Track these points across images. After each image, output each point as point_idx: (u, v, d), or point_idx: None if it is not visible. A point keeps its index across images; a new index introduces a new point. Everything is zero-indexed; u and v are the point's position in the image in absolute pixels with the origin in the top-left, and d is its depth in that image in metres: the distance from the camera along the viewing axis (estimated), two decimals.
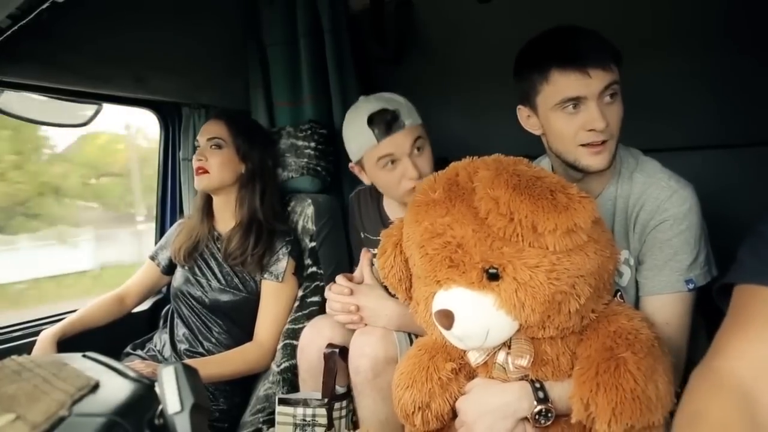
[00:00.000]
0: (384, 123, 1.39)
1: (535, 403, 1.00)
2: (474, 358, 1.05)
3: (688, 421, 0.59)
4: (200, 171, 1.67)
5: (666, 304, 1.13)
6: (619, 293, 1.22)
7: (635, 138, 1.24)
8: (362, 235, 1.68)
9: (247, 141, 1.73)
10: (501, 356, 1.02)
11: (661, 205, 1.13)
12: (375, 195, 1.66)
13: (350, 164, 1.56)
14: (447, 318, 0.94)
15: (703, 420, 0.57)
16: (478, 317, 0.94)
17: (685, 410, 0.61)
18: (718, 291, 0.79)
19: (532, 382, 1.02)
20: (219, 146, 1.68)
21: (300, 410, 1.39)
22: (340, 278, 1.42)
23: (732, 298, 0.72)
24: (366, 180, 1.53)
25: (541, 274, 0.90)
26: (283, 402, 1.42)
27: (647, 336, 0.97)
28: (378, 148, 1.41)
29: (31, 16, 1.10)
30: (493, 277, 0.93)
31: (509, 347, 1.01)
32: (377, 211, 1.65)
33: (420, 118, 1.47)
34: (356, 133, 1.45)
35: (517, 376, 1.03)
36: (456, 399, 1.08)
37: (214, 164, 1.67)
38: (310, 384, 1.46)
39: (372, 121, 1.40)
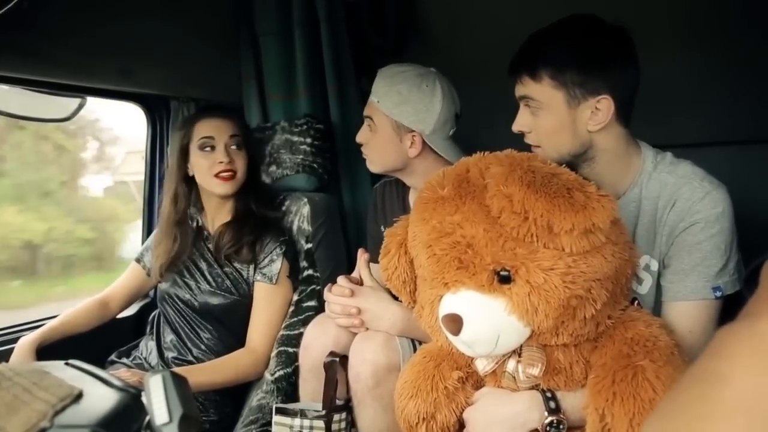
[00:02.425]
0: None
1: (546, 413, 0.99)
2: (482, 366, 1.04)
3: (702, 381, 0.47)
4: (228, 175, 1.63)
5: (690, 311, 1.12)
6: (636, 302, 1.21)
7: (650, 133, 1.24)
8: (382, 229, 1.68)
9: (250, 134, 1.75)
10: (511, 364, 1.02)
11: (692, 206, 1.12)
12: (401, 188, 1.66)
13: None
14: (455, 323, 0.94)
15: (724, 384, 0.46)
16: (487, 322, 0.94)
17: (700, 368, 0.48)
18: (749, 277, 0.72)
19: (543, 391, 1.01)
20: (239, 146, 1.66)
21: (297, 421, 1.39)
22: (341, 279, 1.42)
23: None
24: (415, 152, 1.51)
25: (556, 277, 0.90)
26: (280, 411, 1.42)
27: (666, 343, 0.97)
28: None
29: (11, 4, 1.09)
30: (505, 279, 0.93)
31: (520, 355, 1.01)
32: (402, 204, 1.65)
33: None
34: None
35: (528, 385, 1.02)
36: (463, 410, 1.08)
37: (241, 167, 1.66)
38: (312, 384, 1.45)
39: None
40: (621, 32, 1.14)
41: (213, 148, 1.63)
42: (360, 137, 1.56)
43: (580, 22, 1.15)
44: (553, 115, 1.14)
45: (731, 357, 0.48)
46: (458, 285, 0.96)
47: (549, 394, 1.01)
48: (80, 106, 1.77)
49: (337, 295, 1.39)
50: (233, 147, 1.65)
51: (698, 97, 1.68)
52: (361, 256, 1.45)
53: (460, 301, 0.95)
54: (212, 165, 1.63)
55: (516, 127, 1.21)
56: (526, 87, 1.16)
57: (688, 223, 1.12)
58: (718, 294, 1.11)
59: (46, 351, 1.56)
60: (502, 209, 0.91)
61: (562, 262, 0.90)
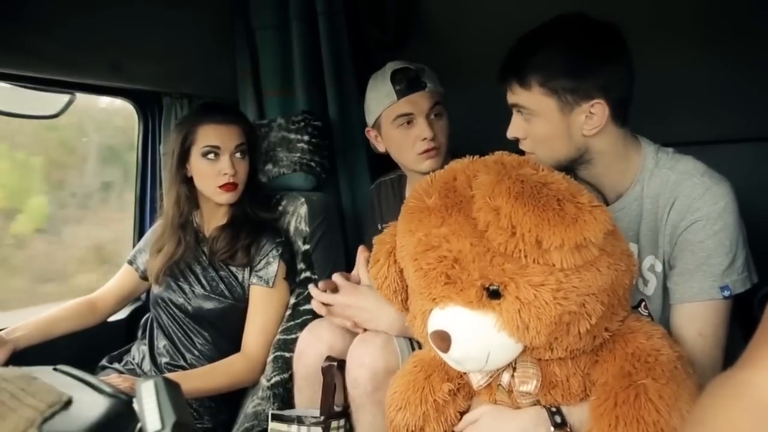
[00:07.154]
0: (406, 80, 1.56)
1: (552, 429, 1.00)
2: (476, 381, 1.05)
3: (690, 427, 0.56)
4: (232, 187, 1.64)
5: (699, 313, 1.12)
6: (643, 303, 1.21)
7: (662, 132, 1.25)
8: (380, 228, 1.68)
9: (255, 138, 1.75)
10: (504, 378, 1.03)
11: (693, 203, 1.12)
12: (398, 186, 1.69)
13: (366, 129, 1.69)
14: (443, 340, 0.94)
15: (708, 430, 0.54)
16: (477, 339, 0.94)
17: (690, 419, 0.58)
18: (761, 300, 0.76)
19: (548, 408, 1.02)
20: (243, 153, 1.67)
21: (294, 428, 1.40)
22: (336, 276, 1.42)
23: None
24: (381, 147, 1.65)
25: (547, 293, 0.89)
26: (277, 418, 1.43)
27: (668, 357, 0.97)
28: (397, 105, 1.56)
29: None
30: (495, 294, 0.92)
31: (515, 368, 1.01)
32: (400, 203, 1.65)
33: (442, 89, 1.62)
34: (377, 91, 1.60)
35: (529, 401, 1.03)
36: (452, 423, 1.09)
37: (243, 175, 1.67)
38: (307, 393, 1.46)
39: (394, 77, 1.57)
40: (609, 30, 1.13)
41: (217, 155, 1.63)
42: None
43: (567, 24, 1.14)
44: (546, 121, 1.15)
45: (712, 405, 0.56)
46: (446, 301, 0.95)
47: (554, 409, 1.01)
48: (69, 102, 1.77)
49: (320, 290, 1.41)
50: (237, 155, 1.65)
51: (713, 94, 1.69)
52: (361, 254, 1.45)
53: (448, 317, 0.95)
54: (216, 176, 1.63)
55: (510, 134, 1.23)
56: (516, 95, 1.16)
57: (689, 221, 1.12)
58: (726, 293, 1.11)
59: (33, 355, 1.55)
60: (489, 223, 0.90)
61: (552, 278, 0.89)
